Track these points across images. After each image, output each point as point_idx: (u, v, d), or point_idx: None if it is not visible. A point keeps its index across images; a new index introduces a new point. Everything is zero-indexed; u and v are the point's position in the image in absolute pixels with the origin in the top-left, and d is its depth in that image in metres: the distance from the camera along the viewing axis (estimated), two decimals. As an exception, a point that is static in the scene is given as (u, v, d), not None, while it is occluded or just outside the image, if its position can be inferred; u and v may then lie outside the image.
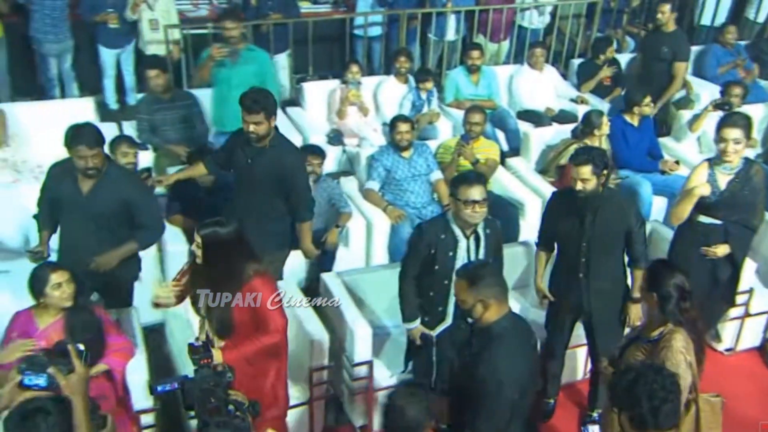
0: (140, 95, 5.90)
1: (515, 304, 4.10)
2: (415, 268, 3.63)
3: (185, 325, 3.94)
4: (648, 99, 5.65)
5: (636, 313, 3.82)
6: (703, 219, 4.18)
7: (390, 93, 6.36)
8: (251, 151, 4.07)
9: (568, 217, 3.78)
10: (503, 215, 5.00)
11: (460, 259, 3.53)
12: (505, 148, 6.35)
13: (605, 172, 3.68)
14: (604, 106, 6.62)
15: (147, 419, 3.49)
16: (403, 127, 5.21)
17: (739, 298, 4.54)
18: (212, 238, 3.10)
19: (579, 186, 3.62)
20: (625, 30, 8.39)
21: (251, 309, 3.15)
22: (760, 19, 8.49)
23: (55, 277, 3.20)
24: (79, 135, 3.66)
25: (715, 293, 4.36)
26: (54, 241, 3.98)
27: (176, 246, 4.40)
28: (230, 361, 2.86)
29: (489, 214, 3.56)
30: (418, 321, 3.68)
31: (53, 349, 2.28)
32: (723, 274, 4.32)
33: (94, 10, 6.37)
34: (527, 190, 5.45)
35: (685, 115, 6.42)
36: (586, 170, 3.60)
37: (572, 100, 6.94)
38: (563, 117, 6.58)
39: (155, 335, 4.26)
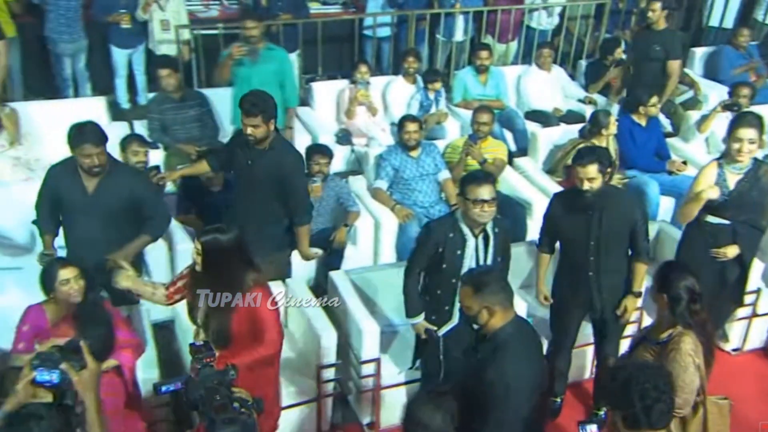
0: (151, 95, 5.95)
1: (522, 304, 4.12)
2: (421, 265, 3.65)
3: (194, 322, 3.97)
4: (654, 99, 5.65)
5: (632, 307, 3.83)
6: (712, 219, 4.18)
7: (398, 93, 6.39)
8: (251, 152, 4.09)
9: (573, 217, 3.79)
10: (511, 215, 5.03)
11: (469, 258, 3.55)
12: (513, 148, 6.37)
13: (609, 169, 3.70)
14: (611, 106, 6.63)
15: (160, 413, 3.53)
16: (411, 126, 5.24)
17: (747, 299, 4.54)
18: (212, 245, 3.04)
19: (586, 186, 3.64)
20: (633, 31, 8.38)
21: (248, 319, 3.10)
22: (770, 20, 8.48)
23: (64, 273, 3.24)
24: (83, 133, 3.67)
25: (723, 293, 4.35)
26: (56, 242, 3.97)
27: (186, 244, 4.43)
28: None
29: (497, 213, 3.57)
30: (422, 316, 3.69)
31: (65, 346, 2.28)
32: (731, 274, 4.32)
33: (106, 11, 6.42)
34: (535, 189, 5.46)
35: (693, 115, 6.42)
36: (593, 169, 3.62)
37: (580, 101, 6.95)
38: (571, 117, 6.59)
39: (165, 332, 4.30)
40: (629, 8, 8.48)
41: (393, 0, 7.46)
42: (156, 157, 5.16)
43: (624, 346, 4.17)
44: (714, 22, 8.49)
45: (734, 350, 4.78)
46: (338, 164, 5.82)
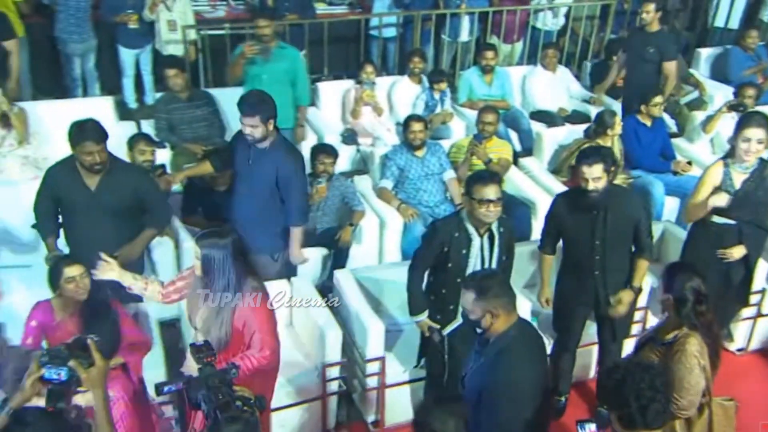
0: (158, 95, 5.98)
1: (526, 303, 4.12)
2: (425, 264, 3.66)
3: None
4: (658, 98, 5.65)
5: (627, 300, 3.82)
6: (717, 219, 4.18)
7: (404, 93, 6.41)
8: (252, 152, 4.11)
9: (577, 217, 3.80)
10: (516, 214, 5.04)
11: (474, 258, 3.56)
12: (518, 148, 6.38)
13: (612, 168, 3.72)
14: (617, 106, 6.63)
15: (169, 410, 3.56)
16: (417, 126, 5.25)
17: (752, 298, 4.54)
18: (211, 249, 3.01)
19: (592, 185, 3.64)
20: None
21: (244, 325, 3.06)
22: (775, 20, 8.47)
23: (69, 271, 3.26)
24: (84, 131, 3.69)
25: (728, 293, 4.35)
26: (58, 243, 3.98)
27: (192, 242, 4.45)
28: None
29: (502, 213, 3.57)
30: (426, 314, 3.70)
31: (73, 343, 2.29)
32: (737, 274, 4.32)
33: (114, 11, 6.46)
34: (540, 189, 5.47)
35: (698, 116, 6.42)
36: (599, 169, 3.62)
37: (585, 101, 6.95)
38: (576, 117, 6.60)
39: (171, 330, 4.33)
40: (634, 9, 8.43)
41: (399, 0, 7.48)
42: (163, 156, 5.19)
43: (628, 345, 4.20)
44: (719, 22, 8.48)
45: (739, 350, 4.78)
46: (344, 164, 5.84)
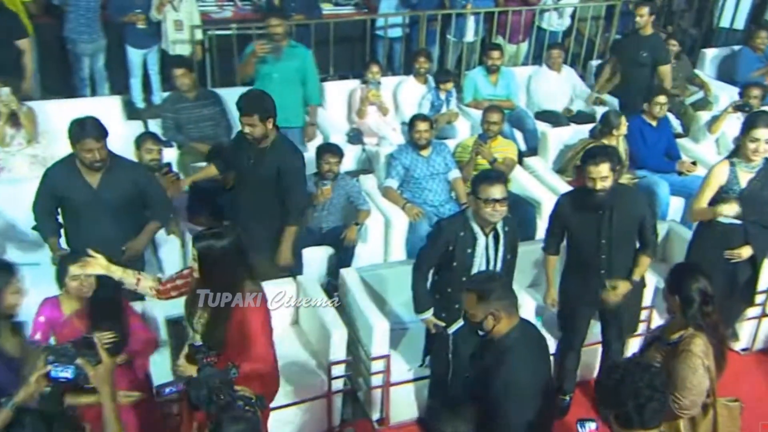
0: (165, 94, 6.02)
1: (531, 302, 4.15)
2: (430, 262, 3.67)
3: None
4: (661, 98, 5.66)
5: (622, 290, 3.81)
6: (723, 219, 4.17)
7: (409, 93, 6.43)
8: (253, 151, 4.12)
9: (583, 217, 3.80)
10: (521, 214, 5.06)
11: (479, 257, 3.57)
12: (523, 147, 6.39)
13: (618, 168, 3.72)
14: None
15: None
16: (422, 126, 5.27)
17: (757, 298, 4.54)
18: (208, 252, 2.94)
19: (599, 185, 3.64)
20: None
21: (239, 329, 2.99)
22: (780, 21, 8.45)
23: (74, 269, 3.26)
24: (84, 128, 3.71)
25: (734, 293, 4.35)
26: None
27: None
28: None
29: (507, 212, 3.58)
30: (431, 312, 3.71)
31: (79, 341, 2.30)
32: (742, 274, 4.32)
33: (122, 11, 6.51)
34: (545, 189, 5.49)
35: (703, 116, 6.42)
36: (606, 168, 3.63)
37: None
38: (581, 117, 6.61)
39: (178, 327, 4.34)
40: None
41: (406, 0, 7.50)
42: (170, 155, 5.22)
43: (632, 345, 4.21)
44: (725, 23, 8.47)
45: (743, 350, 4.79)
46: (349, 163, 5.86)
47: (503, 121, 5.61)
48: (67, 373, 2.18)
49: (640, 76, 6.32)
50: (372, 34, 7.54)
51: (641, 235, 3.82)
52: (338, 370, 3.91)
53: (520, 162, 5.84)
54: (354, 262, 4.92)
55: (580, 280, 3.93)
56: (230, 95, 5.82)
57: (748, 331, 4.75)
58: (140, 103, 7.06)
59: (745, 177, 4.11)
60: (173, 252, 4.59)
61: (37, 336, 3.30)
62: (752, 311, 4.64)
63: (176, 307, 4.08)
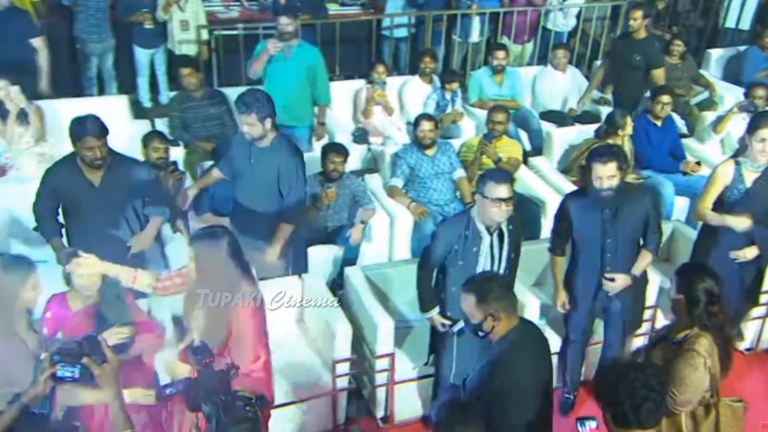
0: (172, 93, 6.05)
1: (535, 301, 4.15)
2: (434, 261, 3.68)
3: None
4: (665, 97, 5.66)
5: (621, 282, 3.81)
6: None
7: (414, 93, 6.44)
8: (253, 151, 4.13)
9: (588, 216, 3.81)
10: (525, 214, 5.06)
11: (484, 255, 3.58)
12: (528, 147, 6.40)
13: (624, 166, 3.73)
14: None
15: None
16: (427, 125, 5.29)
17: (762, 298, 4.54)
18: (204, 252, 2.96)
19: (606, 184, 3.64)
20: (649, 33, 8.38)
21: (236, 329, 3.00)
22: (786, 21, 8.44)
23: (68, 270, 3.28)
24: (85, 126, 3.73)
25: (739, 293, 4.34)
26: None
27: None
28: None
29: (512, 211, 3.59)
30: (436, 310, 3.73)
31: (85, 341, 2.29)
32: (747, 274, 4.31)
33: (130, 11, 6.54)
34: (549, 189, 5.49)
35: (709, 116, 6.42)
36: (613, 167, 3.63)
37: (595, 101, 6.96)
38: (586, 117, 6.61)
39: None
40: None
41: (413, 0, 7.52)
42: (176, 153, 5.25)
43: (633, 344, 4.21)
44: (730, 23, 8.46)
45: (747, 350, 4.79)
46: (355, 162, 5.87)
47: (508, 120, 5.62)
48: (74, 373, 2.18)
49: (633, 80, 6.32)
50: (378, 34, 7.55)
51: (644, 232, 3.83)
52: (343, 368, 3.93)
53: (525, 162, 5.85)
54: (359, 260, 4.93)
55: (584, 278, 3.93)
56: (236, 95, 5.82)
57: (752, 331, 4.75)
58: (147, 103, 7.10)
59: (750, 176, 4.10)
60: (180, 249, 4.61)
61: (44, 331, 3.32)
62: (757, 311, 4.64)
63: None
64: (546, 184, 5.58)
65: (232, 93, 5.86)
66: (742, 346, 4.77)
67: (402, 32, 7.65)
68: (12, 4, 5.70)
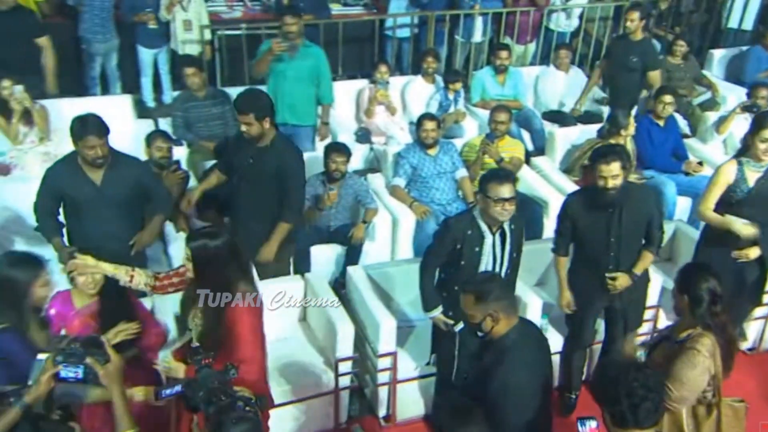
0: (175, 93, 6.07)
1: (537, 301, 4.16)
2: (437, 260, 3.69)
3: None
4: (667, 97, 5.67)
5: (622, 282, 3.81)
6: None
7: (417, 92, 6.46)
8: (253, 150, 4.14)
9: (592, 216, 3.80)
10: (528, 213, 5.07)
11: (486, 255, 3.59)
12: (531, 147, 6.41)
13: (627, 165, 3.73)
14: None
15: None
16: (429, 125, 5.30)
17: (764, 298, 4.53)
18: (201, 251, 2.92)
19: (610, 183, 3.63)
20: (652, 33, 8.38)
21: (232, 329, 2.94)
22: (789, 21, 8.44)
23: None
24: (86, 126, 3.74)
25: (741, 293, 4.34)
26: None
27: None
28: None
29: (514, 211, 3.59)
30: (439, 309, 3.73)
31: (87, 340, 2.29)
32: (750, 274, 4.31)
33: (134, 11, 6.57)
34: (552, 188, 5.50)
35: (711, 117, 6.42)
36: (617, 167, 3.63)
37: (597, 101, 6.97)
38: (588, 117, 6.62)
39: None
40: (648, 10, 8.47)
41: (416, 0, 7.53)
42: (180, 153, 5.27)
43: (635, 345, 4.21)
44: (733, 23, 8.46)
45: (750, 349, 4.79)
46: (357, 162, 5.90)
47: (511, 120, 5.62)
48: (77, 373, 2.19)
49: (630, 81, 6.32)
50: (381, 34, 7.57)
51: (648, 231, 3.83)
52: (345, 366, 3.94)
53: (528, 161, 5.86)
54: (361, 260, 4.95)
55: (587, 277, 3.93)
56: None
57: (755, 331, 4.75)
58: (151, 102, 7.12)
59: (752, 176, 4.11)
60: (183, 249, 4.62)
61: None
62: (759, 311, 4.63)
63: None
64: (548, 184, 5.58)
65: (235, 93, 5.81)
66: (745, 346, 4.76)
67: (405, 32, 7.66)
68: (17, 4, 5.71)
